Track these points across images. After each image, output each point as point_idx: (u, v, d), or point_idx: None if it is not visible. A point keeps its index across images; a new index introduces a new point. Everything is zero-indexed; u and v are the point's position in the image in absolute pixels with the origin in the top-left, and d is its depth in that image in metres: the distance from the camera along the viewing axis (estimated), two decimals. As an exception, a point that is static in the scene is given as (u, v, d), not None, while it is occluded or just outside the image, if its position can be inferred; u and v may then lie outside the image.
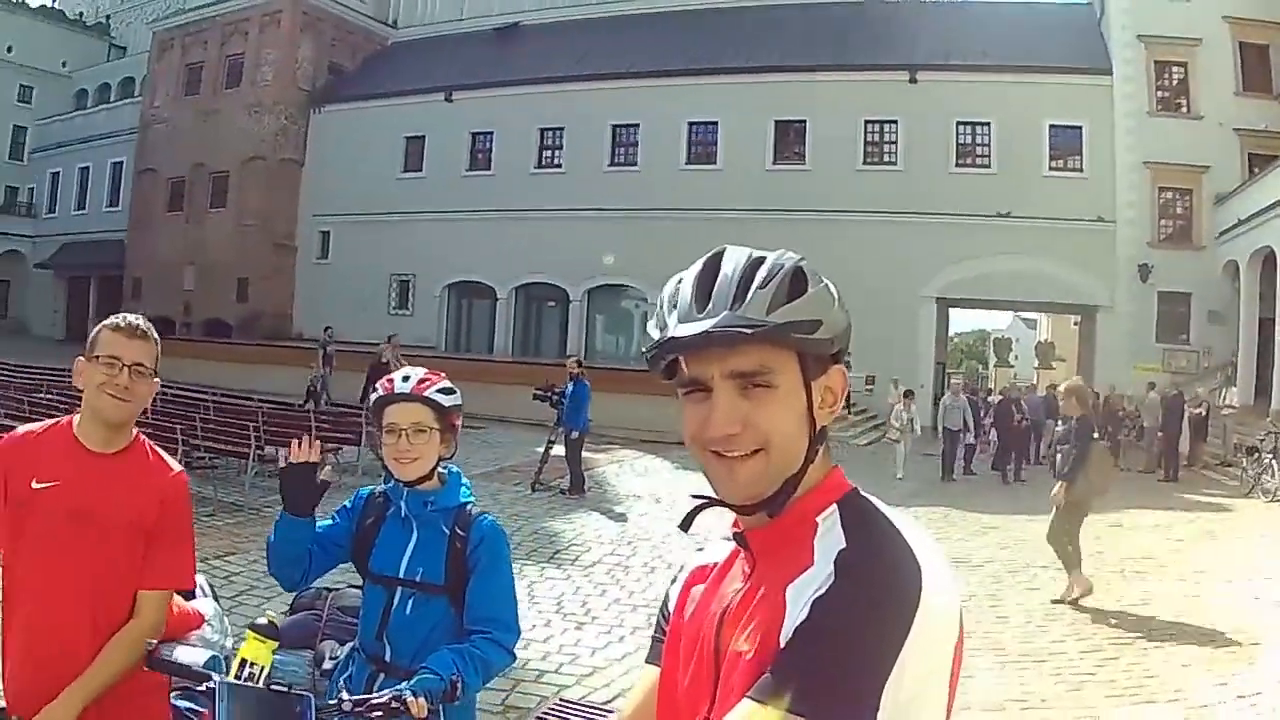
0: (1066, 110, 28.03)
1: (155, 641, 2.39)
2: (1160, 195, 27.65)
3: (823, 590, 1.07)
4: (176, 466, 2.70)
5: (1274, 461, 16.59)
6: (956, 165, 29.08)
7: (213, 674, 2.30)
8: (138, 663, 2.40)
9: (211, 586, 3.20)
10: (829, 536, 1.14)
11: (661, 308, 1.22)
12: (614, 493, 14.12)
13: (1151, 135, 27.16)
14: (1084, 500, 8.99)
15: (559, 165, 33.73)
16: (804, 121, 30.57)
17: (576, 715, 3.89)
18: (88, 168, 46.68)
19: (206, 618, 2.86)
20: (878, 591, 1.06)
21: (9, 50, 47.50)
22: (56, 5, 53.40)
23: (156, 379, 2.60)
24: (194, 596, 2.95)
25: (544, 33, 36.40)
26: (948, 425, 18.25)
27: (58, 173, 47.99)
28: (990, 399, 23.93)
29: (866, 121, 29.94)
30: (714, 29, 32.63)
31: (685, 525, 1.30)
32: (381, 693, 2.41)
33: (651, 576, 8.91)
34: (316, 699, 2.34)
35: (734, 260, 1.21)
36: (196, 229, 39.49)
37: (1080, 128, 28.28)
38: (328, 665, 2.92)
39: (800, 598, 1.09)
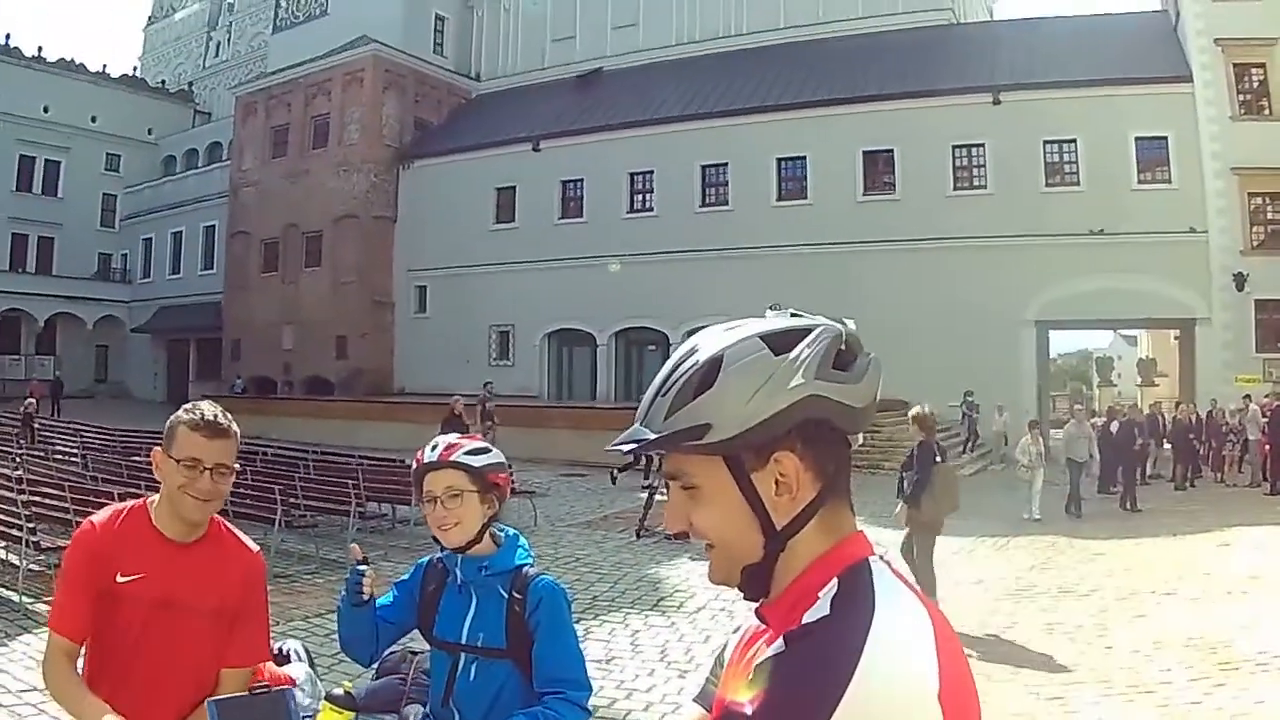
0: (1151, 121, 28.73)
1: None
2: (1250, 201, 28.44)
3: (765, 659, 1.12)
4: (254, 547, 2.87)
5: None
6: (1046, 185, 29.97)
7: None
8: None
9: (307, 650, 3.44)
10: (819, 611, 1.15)
11: None
12: (717, 536, 15.05)
13: (1236, 140, 27.87)
14: (934, 521, 9.76)
15: (650, 209, 35.87)
16: (891, 151, 31.86)
17: None
18: (180, 232, 50.19)
19: (298, 681, 3.01)
20: (802, 667, 1.09)
21: (93, 120, 51.39)
22: (139, 74, 57.58)
23: (236, 465, 2.73)
24: (287, 660, 3.20)
25: (626, 77, 38.77)
26: (1072, 456, 18.14)
27: (150, 239, 51.59)
28: (1094, 421, 25.23)
29: (954, 146, 31.04)
30: (794, 64, 34.54)
31: None
32: None
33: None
34: None
35: (673, 358, 1.25)
36: (292, 289, 42.30)
37: (1165, 138, 28.94)
38: None
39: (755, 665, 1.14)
